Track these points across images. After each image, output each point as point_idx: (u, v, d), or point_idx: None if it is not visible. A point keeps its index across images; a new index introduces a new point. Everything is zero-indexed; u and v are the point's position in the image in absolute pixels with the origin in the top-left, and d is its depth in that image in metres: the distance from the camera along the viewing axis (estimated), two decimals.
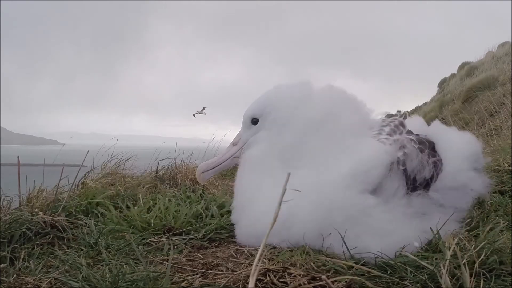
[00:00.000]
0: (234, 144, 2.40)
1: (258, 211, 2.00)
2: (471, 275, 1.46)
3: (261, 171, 2.14)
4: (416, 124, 2.50)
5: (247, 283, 1.54)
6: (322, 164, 1.99)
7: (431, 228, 1.89)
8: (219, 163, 2.38)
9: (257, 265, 0.94)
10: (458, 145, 2.31)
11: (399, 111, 2.61)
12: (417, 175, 2.04)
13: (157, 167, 4.27)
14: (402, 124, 2.27)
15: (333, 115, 2.12)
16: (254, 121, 2.28)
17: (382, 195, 1.93)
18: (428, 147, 2.20)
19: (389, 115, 2.53)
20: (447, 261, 1.45)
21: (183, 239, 2.27)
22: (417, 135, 2.26)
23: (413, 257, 1.62)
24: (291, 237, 1.93)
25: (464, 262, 1.46)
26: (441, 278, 1.40)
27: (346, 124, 2.12)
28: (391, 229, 1.86)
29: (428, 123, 2.65)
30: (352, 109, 2.20)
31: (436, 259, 1.65)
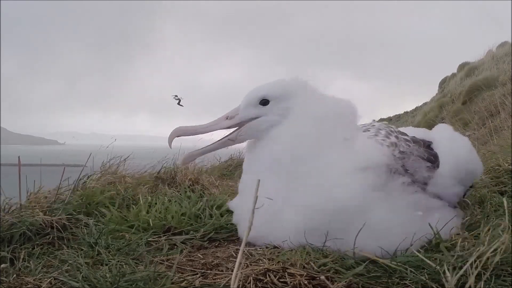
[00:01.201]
0: (229, 118, 2.23)
1: (264, 210, 2.00)
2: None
3: (271, 168, 2.06)
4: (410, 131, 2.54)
5: (247, 283, 1.54)
6: (327, 161, 1.99)
7: (430, 226, 1.90)
8: (202, 132, 2.21)
9: (238, 268, 0.93)
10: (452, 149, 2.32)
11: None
12: (415, 172, 2.06)
13: (158, 167, 4.27)
14: (395, 129, 2.34)
15: (341, 116, 2.14)
16: (264, 102, 2.18)
17: (383, 192, 1.94)
18: (424, 145, 2.24)
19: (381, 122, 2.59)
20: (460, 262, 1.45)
21: (183, 239, 2.27)
22: (413, 136, 2.30)
23: (418, 254, 1.62)
24: (292, 235, 1.93)
25: (471, 262, 1.46)
26: (445, 279, 1.40)
27: (349, 125, 2.15)
28: (392, 226, 1.86)
29: (428, 123, 2.68)
30: (352, 114, 2.23)
31: (435, 259, 1.65)
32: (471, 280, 1.38)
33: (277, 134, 2.12)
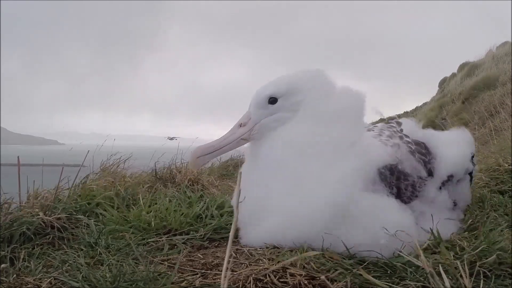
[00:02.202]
0: (242, 125, 2.19)
1: (266, 210, 1.99)
2: (471, 275, 1.46)
3: (277, 165, 2.03)
4: (409, 126, 2.54)
5: (247, 283, 1.54)
6: (331, 160, 1.98)
7: (431, 229, 1.90)
8: (220, 146, 2.15)
9: (227, 267, 0.92)
10: (450, 144, 2.34)
11: (396, 116, 2.65)
12: (415, 173, 2.07)
13: (155, 167, 4.27)
14: (400, 130, 2.33)
15: (349, 110, 2.10)
16: (272, 100, 2.14)
17: (383, 194, 1.94)
18: (424, 147, 2.25)
19: (387, 120, 2.58)
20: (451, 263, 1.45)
21: (183, 239, 2.27)
22: (415, 139, 2.31)
23: (409, 257, 1.62)
24: (293, 235, 1.93)
25: (464, 263, 1.47)
26: (440, 278, 1.40)
27: (357, 123, 2.12)
28: (392, 228, 1.86)
29: (427, 123, 2.70)
30: (361, 110, 2.18)
31: (435, 259, 1.65)
32: (470, 280, 1.38)
33: (282, 134, 2.09)
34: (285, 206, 1.95)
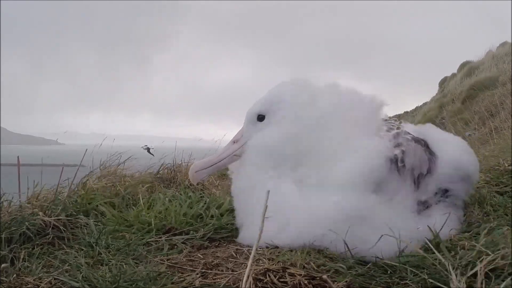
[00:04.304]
0: (235, 141, 2.31)
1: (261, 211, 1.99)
2: (471, 275, 1.46)
3: (264, 169, 2.10)
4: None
5: (247, 283, 1.54)
6: (325, 162, 1.98)
7: (429, 227, 1.90)
8: (215, 161, 2.29)
9: (251, 268, 0.93)
10: (450, 145, 2.36)
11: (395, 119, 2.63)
12: (415, 171, 2.06)
13: (159, 168, 4.27)
14: (399, 125, 2.31)
15: (339, 113, 2.11)
16: (260, 118, 2.22)
17: (383, 193, 1.94)
18: (424, 144, 2.24)
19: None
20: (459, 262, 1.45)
21: (183, 239, 2.27)
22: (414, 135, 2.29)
23: (422, 252, 1.61)
24: (292, 238, 1.93)
25: (467, 262, 1.46)
26: (452, 277, 1.40)
27: (350, 122, 2.11)
28: (393, 227, 1.86)
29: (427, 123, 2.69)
30: (358, 107, 2.18)
31: (435, 259, 1.65)
32: (479, 282, 1.38)
33: (267, 135, 2.14)
34: (285, 211, 1.96)
